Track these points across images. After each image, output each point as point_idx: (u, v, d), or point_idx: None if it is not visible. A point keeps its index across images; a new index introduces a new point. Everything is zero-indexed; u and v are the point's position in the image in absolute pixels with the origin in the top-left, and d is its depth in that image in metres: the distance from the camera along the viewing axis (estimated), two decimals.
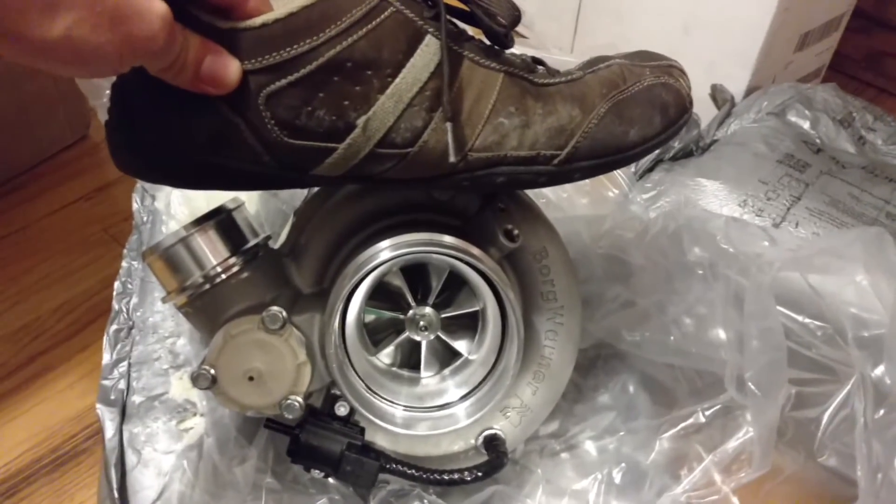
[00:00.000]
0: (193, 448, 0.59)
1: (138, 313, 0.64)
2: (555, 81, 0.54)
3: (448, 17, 0.50)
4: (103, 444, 0.59)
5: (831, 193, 0.76)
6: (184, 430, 0.60)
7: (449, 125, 0.49)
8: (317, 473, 0.57)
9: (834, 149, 0.85)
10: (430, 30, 0.49)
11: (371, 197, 0.59)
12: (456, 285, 0.61)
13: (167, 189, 0.67)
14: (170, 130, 0.48)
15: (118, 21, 0.38)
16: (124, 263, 0.66)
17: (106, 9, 0.38)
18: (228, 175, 0.50)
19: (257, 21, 0.46)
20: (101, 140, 1.14)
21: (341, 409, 0.57)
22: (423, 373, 0.61)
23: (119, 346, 0.63)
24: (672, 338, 0.61)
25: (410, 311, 0.60)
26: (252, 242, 0.57)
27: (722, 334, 0.57)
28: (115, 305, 0.64)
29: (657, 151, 0.84)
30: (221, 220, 0.56)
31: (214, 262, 0.55)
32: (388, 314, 0.60)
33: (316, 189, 0.62)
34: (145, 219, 0.68)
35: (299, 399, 0.54)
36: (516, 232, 0.58)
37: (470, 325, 0.61)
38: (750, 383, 0.52)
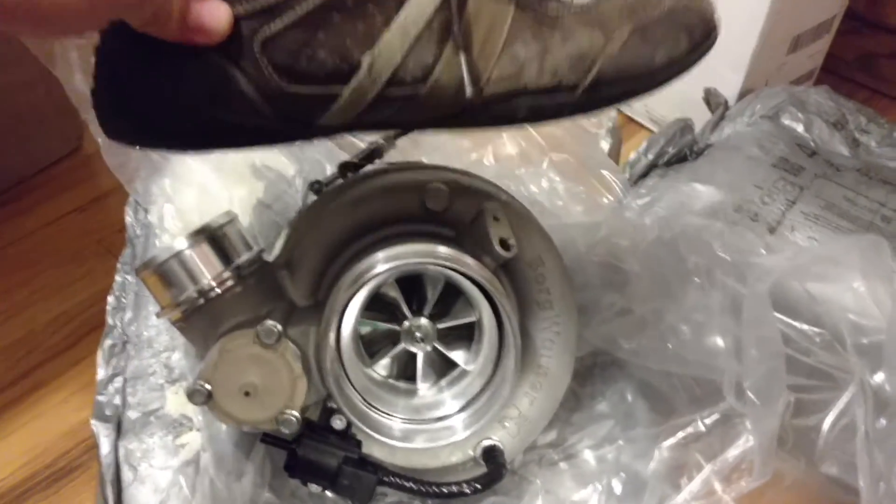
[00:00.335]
0: (190, 463, 0.58)
1: (133, 328, 0.64)
2: (570, 13, 0.50)
3: None
4: (99, 460, 0.58)
5: (826, 197, 0.76)
6: (180, 446, 0.59)
7: (462, 55, 0.46)
8: (314, 488, 0.56)
9: (828, 151, 0.85)
10: None
11: (365, 208, 0.59)
12: (452, 295, 0.61)
13: (160, 202, 0.67)
14: (161, 89, 0.45)
15: None
16: (118, 277, 0.66)
17: None
18: (227, 133, 0.47)
19: None
20: (95, 151, 1.14)
21: (338, 423, 0.57)
22: (420, 384, 0.61)
23: (114, 361, 0.63)
24: (669, 345, 0.60)
25: (406, 323, 0.59)
26: (246, 256, 0.57)
27: (720, 342, 0.57)
28: (109, 320, 0.64)
29: (650, 158, 0.84)
30: (215, 234, 0.56)
31: (208, 277, 0.55)
32: (383, 326, 0.60)
33: (310, 201, 0.62)
34: (138, 232, 0.68)
35: (296, 413, 0.54)
36: (511, 241, 0.57)
37: (466, 335, 0.61)
38: (749, 391, 0.51)
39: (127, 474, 0.58)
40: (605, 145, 0.85)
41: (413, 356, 0.61)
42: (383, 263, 0.55)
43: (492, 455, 0.59)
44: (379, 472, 0.56)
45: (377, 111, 0.47)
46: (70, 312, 0.93)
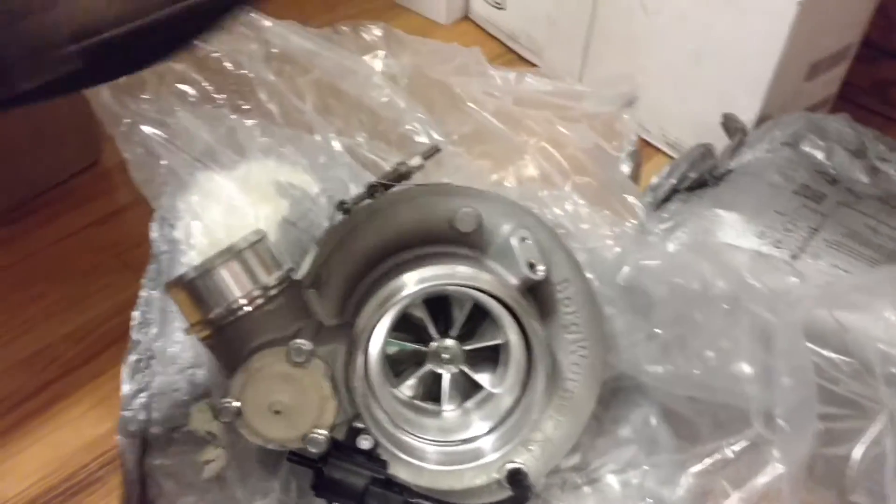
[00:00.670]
0: (215, 481, 0.58)
1: (158, 343, 0.64)
2: None
3: None
4: (124, 475, 0.58)
5: (848, 225, 0.76)
6: (205, 462, 0.59)
7: None
8: None
9: (849, 179, 0.85)
10: None
11: (393, 229, 0.59)
12: (478, 317, 0.61)
13: (186, 218, 0.67)
14: None
15: None
16: (143, 293, 0.66)
17: None
18: None
19: None
20: (113, 166, 1.14)
21: (364, 443, 0.57)
22: (445, 406, 0.61)
23: (138, 377, 0.63)
24: (696, 371, 0.60)
25: (433, 344, 0.59)
26: (275, 274, 0.57)
27: (747, 369, 0.57)
28: (134, 335, 0.64)
29: (672, 182, 0.84)
30: (245, 252, 0.56)
31: (238, 295, 0.55)
32: (410, 346, 0.60)
33: (338, 220, 0.62)
34: (164, 248, 0.68)
35: (324, 432, 0.54)
36: (539, 263, 0.58)
37: (492, 357, 0.61)
38: (780, 419, 0.51)
39: (152, 490, 0.58)
40: (626, 168, 0.86)
41: (439, 377, 0.61)
42: (412, 285, 0.56)
43: (517, 478, 0.59)
44: (405, 493, 0.56)
45: None
46: (87, 326, 0.93)
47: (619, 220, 0.71)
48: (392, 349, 0.61)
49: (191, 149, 0.70)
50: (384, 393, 0.58)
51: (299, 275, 0.60)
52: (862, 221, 0.77)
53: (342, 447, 0.56)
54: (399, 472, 0.59)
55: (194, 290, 0.56)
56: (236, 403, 0.53)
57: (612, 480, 0.62)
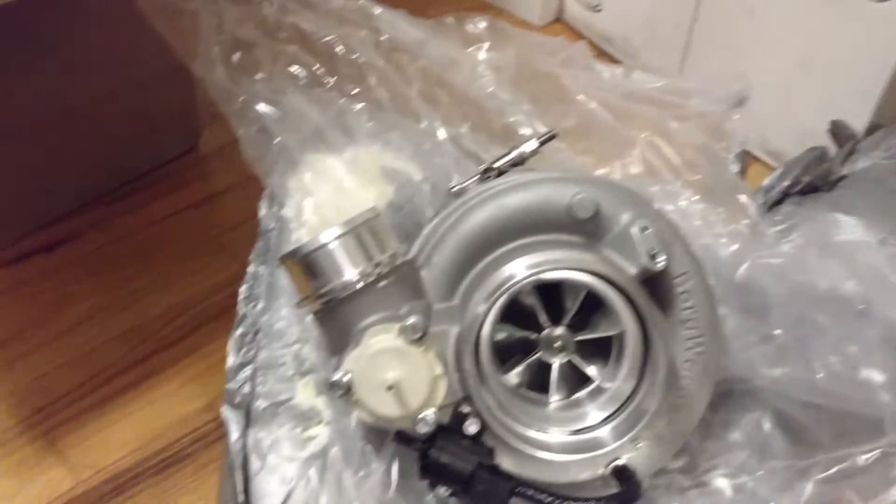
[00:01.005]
0: (318, 457, 0.58)
1: (264, 318, 0.64)
2: None
3: None
4: (227, 447, 0.58)
5: None
6: (308, 438, 0.59)
7: None
8: (443, 491, 0.55)
9: None
10: None
11: (508, 213, 0.58)
12: (589, 308, 0.59)
13: (297, 196, 0.67)
14: None
15: None
16: (250, 268, 0.66)
17: None
18: None
19: None
20: (210, 152, 1.16)
21: (471, 427, 0.55)
22: (553, 396, 0.59)
23: (244, 350, 0.63)
24: (818, 376, 0.58)
25: (545, 332, 0.58)
26: (389, 252, 0.57)
27: (878, 376, 0.54)
28: (241, 309, 0.64)
29: (785, 184, 0.81)
30: (361, 229, 0.56)
31: (353, 271, 0.55)
32: (519, 333, 0.59)
33: (450, 206, 0.61)
34: (272, 225, 0.68)
35: (434, 413, 0.53)
36: (660, 254, 0.56)
37: (600, 350, 0.59)
38: None
39: (255, 463, 0.58)
40: (734, 169, 0.83)
41: (544, 367, 0.60)
42: (527, 270, 0.54)
43: (625, 475, 0.57)
44: (512, 480, 0.54)
45: None
46: (182, 306, 0.95)
47: (733, 219, 0.69)
48: (500, 335, 0.59)
49: (302, 129, 0.70)
50: (493, 379, 0.57)
51: (410, 255, 0.60)
52: None
53: (448, 430, 0.55)
54: (502, 461, 0.58)
55: (309, 263, 0.55)
56: (348, 378, 0.52)
57: (722, 484, 0.59)
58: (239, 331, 0.63)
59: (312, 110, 0.73)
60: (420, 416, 0.53)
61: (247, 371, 0.62)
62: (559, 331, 0.58)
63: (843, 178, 0.84)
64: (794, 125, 1.11)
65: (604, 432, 0.56)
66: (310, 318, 0.63)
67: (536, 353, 0.58)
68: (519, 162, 0.64)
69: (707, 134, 0.84)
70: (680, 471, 0.62)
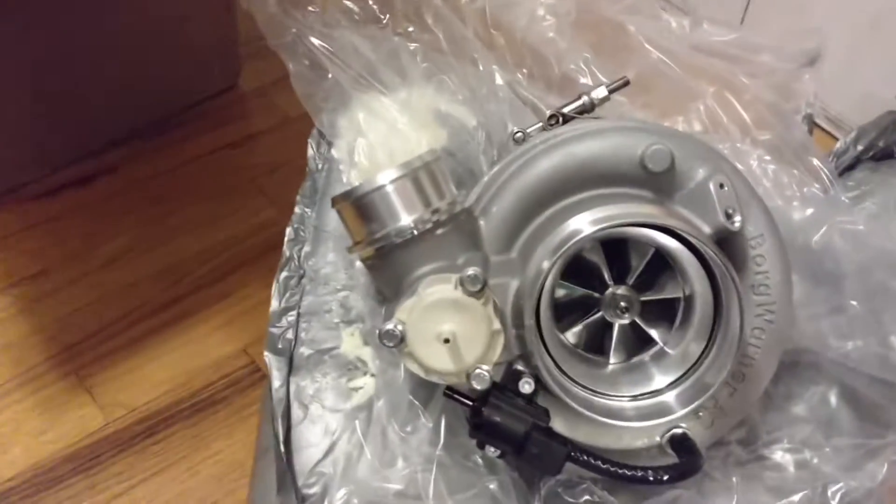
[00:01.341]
0: (363, 409, 0.55)
1: (310, 262, 0.61)
2: None
3: None
4: (269, 393, 0.56)
5: None
6: (353, 389, 0.56)
7: None
8: (492, 451, 0.53)
9: None
10: None
11: (576, 163, 0.54)
12: (654, 268, 0.56)
13: (349, 136, 0.64)
14: None
15: None
16: (297, 210, 0.63)
17: None
18: None
19: None
20: (251, 90, 1.13)
21: (526, 387, 0.53)
22: (612, 358, 0.56)
23: (288, 294, 0.60)
24: (893, 352, 0.54)
25: (608, 291, 0.55)
26: (448, 199, 0.53)
27: None
28: (287, 252, 0.62)
29: (860, 149, 0.77)
30: (420, 172, 0.53)
31: (409, 216, 0.52)
32: (581, 291, 0.56)
33: (513, 153, 0.58)
34: (320, 166, 0.65)
35: (489, 369, 0.50)
36: (737, 213, 0.52)
37: (663, 312, 0.56)
38: None
39: (297, 412, 0.56)
40: (803, 131, 0.79)
41: (603, 328, 0.57)
42: (594, 224, 0.51)
43: (683, 445, 0.54)
44: (568, 444, 0.52)
45: None
46: (219, 247, 0.93)
47: (807, 181, 0.65)
48: (560, 292, 0.56)
49: (354, 67, 0.67)
50: (552, 337, 0.54)
51: (468, 203, 0.57)
52: None
53: (502, 389, 0.53)
54: (554, 423, 0.55)
55: (363, 206, 0.52)
56: (401, 328, 0.49)
57: (784, 459, 0.56)
58: (284, 274, 0.61)
59: (365, 47, 0.69)
60: (475, 371, 0.50)
61: (291, 316, 0.59)
62: (624, 290, 0.55)
63: None
64: (858, 90, 1.06)
65: (669, 398, 0.53)
66: (358, 264, 0.60)
67: (597, 312, 0.55)
68: (587, 109, 0.60)
69: (776, 92, 0.79)
70: (738, 443, 0.59)
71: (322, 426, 0.55)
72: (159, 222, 0.94)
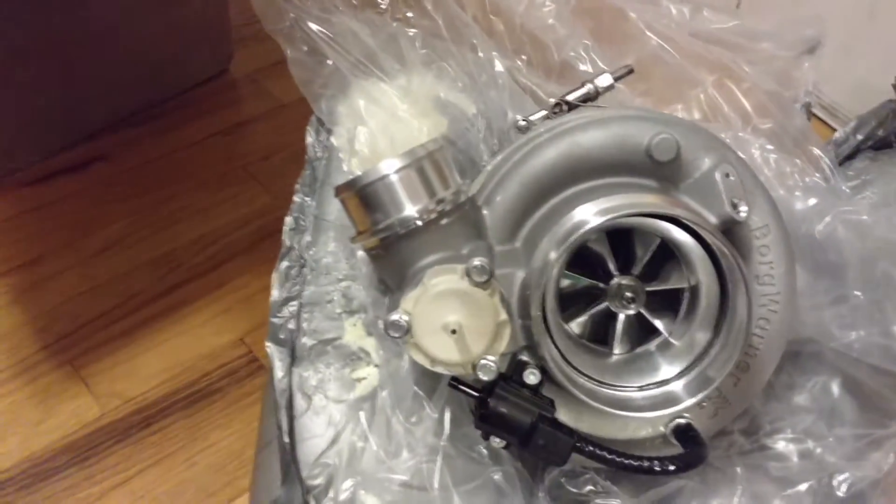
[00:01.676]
0: (366, 400, 0.55)
1: (311, 252, 0.60)
2: None
3: None
4: (271, 384, 0.55)
5: None
6: (356, 380, 0.56)
7: None
8: (496, 442, 0.52)
9: None
10: None
11: (581, 152, 0.54)
12: (659, 258, 0.55)
13: (347, 125, 0.63)
14: None
15: None
16: (296, 198, 0.63)
17: None
18: None
19: None
20: (242, 76, 1.12)
21: (531, 378, 0.52)
22: (616, 349, 0.56)
23: (289, 284, 0.59)
24: None
25: (613, 281, 0.55)
26: (453, 188, 0.53)
27: None
28: (287, 241, 0.61)
29: (859, 138, 0.77)
30: (424, 161, 0.52)
31: (414, 206, 0.51)
32: (586, 281, 0.55)
33: (516, 142, 0.58)
34: (319, 154, 0.64)
35: (495, 360, 0.50)
36: (742, 203, 0.52)
37: (667, 302, 0.56)
38: None
39: (300, 403, 0.55)
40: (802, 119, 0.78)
41: (607, 318, 0.56)
42: (600, 215, 0.50)
43: (687, 435, 0.54)
44: (574, 435, 0.51)
45: None
46: (213, 235, 0.92)
47: (809, 171, 0.65)
48: (564, 283, 0.56)
49: (353, 52, 0.66)
50: (557, 328, 0.53)
51: (472, 192, 0.56)
52: None
53: (507, 380, 0.52)
54: (558, 413, 0.55)
55: (367, 196, 0.52)
56: (406, 318, 0.49)
57: (787, 449, 0.57)
58: (284, 263, 0.60)
59: (364, 33, 0.68)
60: (481, 362, 0.50)
61: (292, 306, 0.59)
62: (629, 280, 0.54)
63: None
64: (853, 79, 1.06)
65: (677, 388, 0.53)
66: (360, 254, 0.59)
67: (602, 302, 0.55)
68: (591, 97, 0.59)
69: (775, 80, 0.79)
70: (741, 432, 0.59)
71: (326, 417, 0.54)
72: (153, 210, 0.93)
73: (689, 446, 0.53)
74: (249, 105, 1.07)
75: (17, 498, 0.69)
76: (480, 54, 0.73)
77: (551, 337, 0.53)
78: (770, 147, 0.65)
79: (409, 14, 0.73)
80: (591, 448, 0.51)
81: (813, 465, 0.55)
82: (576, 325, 0.57)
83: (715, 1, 1.18)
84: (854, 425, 0.57)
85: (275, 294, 0.59)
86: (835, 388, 0.59)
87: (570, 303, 0.57)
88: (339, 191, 0.53)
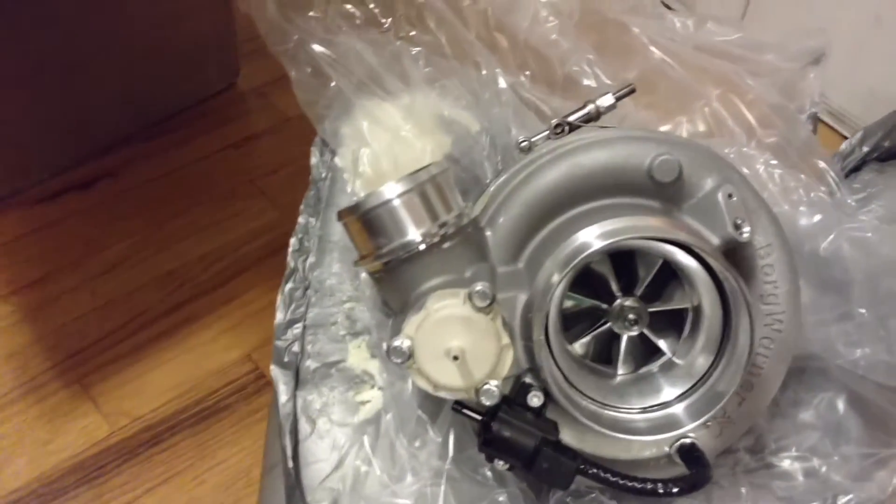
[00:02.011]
0: (371, 423, 0.55)
1: (315, 273, 0.61)
2: None
3: None
4: (276, 408, 0.55)
5: None
6: (361, 403, 0.56)
7: None
8: (500, 465, 0.52)
9: None
10: None
11: (583, 173, 0.54)
12: (662, 278, 0.55)
13: (351, 146, 0.63)
14: None
15: None
16: (301, 219, 0.63)
17: None
18: None
19: None
20: (250, 89, 1.12)
21: (534, 400, 0.52)
22: (620, 370, 0.56)
23: (293, 306, 0.60)
24: None
25: (616, 302, 0.54)
26: (455, 211, 0.53)
27: None
28: (291, 263, 0.61)
29: (865, 150, 0.76)
30: (426, 185, 0.52)
31: (417, 230, 0.51)
32: (589, 302, 0.55)
33: (519, 163, 0.58)
34: (324, 175, 0.65)
35: (498, 384, 0.50)
36: (745, 223, 0.52)
37: (671, 323, 0.56)
38: None
39: (304, 427, 0.55)
40: (808, 131, 0.78)
41: (610, 338, 0.56)
42: (602, 238, 0.50)
43: (692, 455, 0.54)
44: (577, 458, 0.51)
45: None
46: (221, 250, 0.92)
47: (814, 186, 0.64)
48: (567, 304, 0.56)
49: (356, 72, 0.66)
50: (560, 350, 0.53)
51: (474, 213, 0.56)
52: None
53: (510, 403, 0.52)
54: (562, 433, 0.55)
55: (370, 221, 0.52)
56: (409, 344, 0.49)
57: (792, 467, 0.56)
58: (289, 285, 0.60)
59: (367, 52, 0.69)
60: (484, 387, 0.50)
61: (296, 329, 0.59)
62: (632, 302, 0.54)
63: None
64: (861, 86, 1.06)
65: (678, 410, 0.53)
66: (364, 275, 0.60)
67: (605, 323, 0.55)
68: (593, 117, 0.59)
69: (780, 92, 0.79)
70: (746, 450, 0.59)
71: (330, 441, 0.55)
72: (160, 226, 0.94)
73: (694, 466, 0.53)
74: (257, 119, 1.07)
75: None
76: (483, 71, 0.74)
77: (554, 359, 0.53)
78: (774, 162, 0.65)
79: (413, 32, 0.73)
80: (594, 471, 0.51)
81: (818, 485, 0.55)
82: (579, 346, 0.57)
83: (720, 13, 1.18)
84: (859, 443, 0.56)
85: (279, 317, 0.59)
86: (840, 405, 0.59)
87: (573, 323, 0.57)
88: (342, 215, 0.53)
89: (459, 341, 0.49)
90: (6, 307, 0.84)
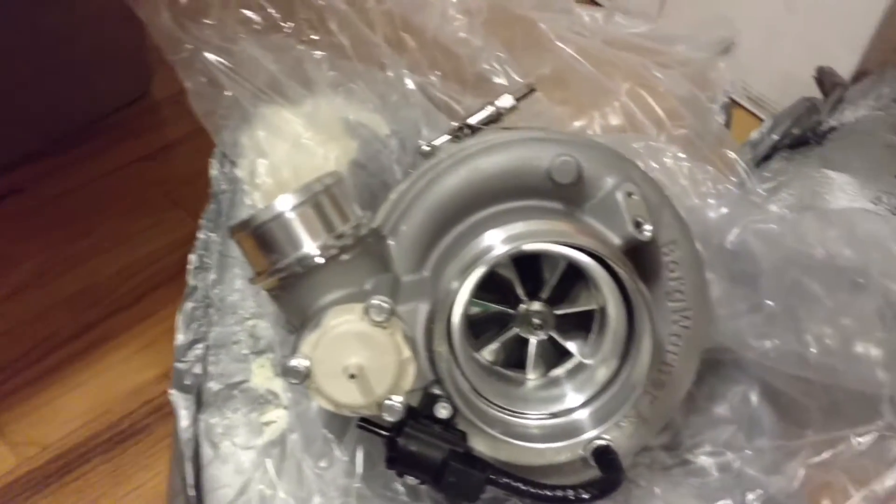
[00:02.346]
0: (276, 444, 0.53)
1: (216, 291, 0.59)
2: None
3: None
4: (176, 433, 0.53)
5: None
6: (265, 424, 0.54)
7: None
8: (411, 480, 0.51)
9: None
10: None
11: (483, 177, 0.53)
12: (569, 280, 0.55)
13: (251, 155, 0.61)
14: None
15: None
16: (201, 235, 0.61)
17: None
18: None
19: None
20: (163, 98, 1.08)
21: (442, 412, 0.51)
22: (530, 374, 0.55)
23: (194, 326, 0.58)
24: (811, 350, 0.54)
25: (521, 307, 0.54)
26: (352, 222, 0.51)
27: (874, 350, 0.51)
28: (191, 281, 0.59)
29: (775, 138, 0.77)
30: (320, 196, 0.50)
31: (312, 244, 0.50)
32: (495, 308, 0.54)
33: (420, 168, 0.56)
34: (224, 187, 0.63)
35: (401, 399, 0.49)
36: (646, 222, 0.51)
37: (580, 324, 0.55)
38: None
39: (207, 451, 0.53)
40: (719, 121, 0.78)
41: (521, 343, 0.55)
42: (503, 244, 0.50)
43: (606, 457, 0.53)
44: (487, 470, 0.50)
45: None
46: (135, 266, 0.89)
47: (722, 178, 0.64)
48: (474, 310, 0.55)
49: (256, 80, 0.64)
50: (466, 358, 0.52)
51: (376, 223, 0.55)
52: None
53: (417, 415, 0.51)
54: (474, 444, 0.54)
55: (262, 236, 0.50)
56: (306, 363, 0.47)
57: (706, 463, 0.56)
58: (189, 304, 0.58)
59: (267, 59, 0.67)
60: (386, 402, 0.48)
61: (198, 349, 0.57)
62: (537, 306, 0.54)
63: (832, 129, 0.80)
64: (777, 71, 1.06)
65: (583, 415, 0.52)
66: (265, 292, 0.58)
67: (512, 329, 0.54)
68: (494, 119, 0.58)
69: (691, 83, 0.79)
70: (662, 448, 0.58)
71: (234, 465, 0.53)
72: (71, 243, 0.90)
73: (608, 469, 0.53)
74: (172, 128, 1.04)
75: None
76: (390, 73, 0.72)
77: (460, 369, 0.52)
78: (682, 155, 0.65)
79: (315, 36, 0.71)
80: (505, 481, 0.50)
81: (731, 480, 0.55)
82: (489, 353, 0.56)
83: (639, 4, 1.18)
84: (772, 435, 0.57)
85: (179, 338, 0.57)
86: (754, 398, 0.59)
87: (481, 330, 0.56)
88: (234, 232, 0.51)
89: (357, 358, 0.47)
90: None
